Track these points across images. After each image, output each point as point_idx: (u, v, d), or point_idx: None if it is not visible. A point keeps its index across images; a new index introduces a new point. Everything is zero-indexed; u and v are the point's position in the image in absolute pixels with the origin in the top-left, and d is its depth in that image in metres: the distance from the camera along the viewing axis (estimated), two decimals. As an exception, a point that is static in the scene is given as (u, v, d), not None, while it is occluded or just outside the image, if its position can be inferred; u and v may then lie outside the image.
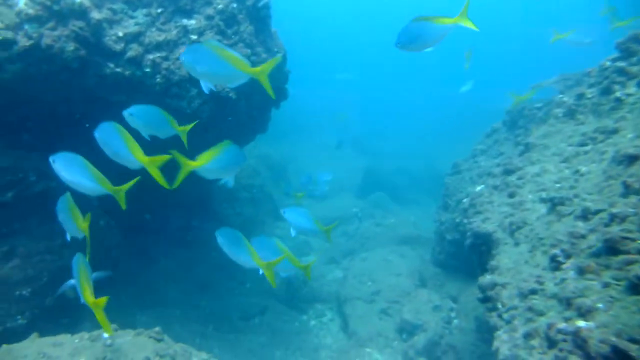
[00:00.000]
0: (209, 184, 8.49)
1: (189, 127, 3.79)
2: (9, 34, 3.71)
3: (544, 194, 3.83)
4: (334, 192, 13.50)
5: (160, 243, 6.87)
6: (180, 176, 3.26)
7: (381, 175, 14.66)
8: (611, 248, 2.50)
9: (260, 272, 3.94)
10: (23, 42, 3.78)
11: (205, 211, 8.70)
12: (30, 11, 3.77)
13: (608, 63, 4.50)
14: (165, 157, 3.10)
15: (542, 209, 3.73)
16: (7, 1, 3.79)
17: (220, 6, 4.95)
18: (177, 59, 4.83)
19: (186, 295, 6.35)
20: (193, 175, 7.66)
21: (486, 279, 3.43)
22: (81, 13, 4.13)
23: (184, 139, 3.79)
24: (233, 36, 5.12)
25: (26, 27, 3.77)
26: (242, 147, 7.59)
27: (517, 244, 3.56)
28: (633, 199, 2.73)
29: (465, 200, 4.98)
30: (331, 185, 13.66)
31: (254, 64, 5.35)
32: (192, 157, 6.08)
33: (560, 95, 5.10)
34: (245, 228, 9.74)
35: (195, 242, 7.99)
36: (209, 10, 4.98)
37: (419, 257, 8.12)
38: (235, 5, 5.04)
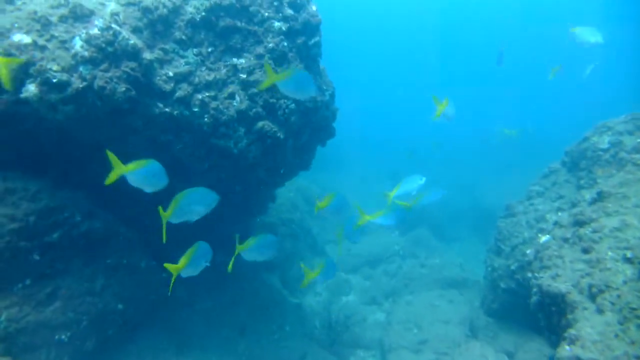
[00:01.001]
0: (249, 219, 8.36)
1: None
2: (64, 77, 3.71)
3: (628, 253, 3.40)
4: (373, 227, 13.12)
5: (200, 282, 6.71)
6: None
7: (424, 209, 14.15)
8: None
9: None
10: (77, 84, 3.76)
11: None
12: (86, 53, 3.77)
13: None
14: None
15: (628, 270, 3.29)
16: (65, 44, 3.81)
17: (270, 45, 4.87)
18: (226, 98, 4.75)
19: (224, 339, 6.10)
20: (235, 209, 7.48)
21: (566, 351, 3.01)
22: (134, 54, 4.11)
23: None
24: (282, 75, 5.01)
25: (81, 69, 3.77)
26: (283, 186, 7.45)
27: (600, 311, 3.13)
28: None
29: (529, 251, 4.57)
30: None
31: (303, 103, 5.24)
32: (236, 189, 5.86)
33: (639, 140, 4.66)
34: (284, 263, 9.51)
35: (234, 280, 7.82)
36: (259, 49, 4.91)
37: (468, 303, 7.59)
38: (286, 43, 4.95)
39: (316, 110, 5.42)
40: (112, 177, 3.26)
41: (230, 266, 3.80)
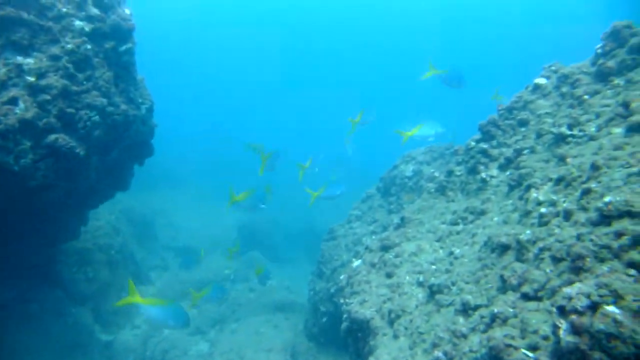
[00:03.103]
0: (52, 245, 7.14)
1: None
2: None
3: (420, 277, 3.69)
4: (205, 249, 12.51)
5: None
6: None
7: (257, 231, 14.06)
8: (495, 357, 2.30)
9: None
10: None
11: (46, 278, 7.29)
12: None
13: (473, 143, 4.71)
14: None
15: (420, 294, 3.56)
16: None
17: (69, 46, 4.18)
18: (5, 103, 3.89)
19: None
20: (31, 236, 6.29)
21: (365, 379, 3.05)
22: None
23: None
24: (85, 82, 4.35)
25: None
26: (96, 208, 6.54)
27: (396, 337, 3.29)
28: (511, 296, 2.62)
29: (342, 277, 4.71)
30: (202, 243, 12.68)
31: (110, 115, 4.62)
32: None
33: (432, 170, 5.23)
34: (97, 296, 8.36)
35: (30, 318, 6.54)
36: (55, 50, 4.17)
37: (292, 328, 7.62)
38: (89, 46, 4.31)
39: (128, 125, 4.85)
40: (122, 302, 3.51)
41: None
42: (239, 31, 34.52)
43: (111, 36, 4.47)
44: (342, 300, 4.45)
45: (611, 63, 3.61)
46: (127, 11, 4.58)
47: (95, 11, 4.30)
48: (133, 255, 10.61)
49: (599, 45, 3.86)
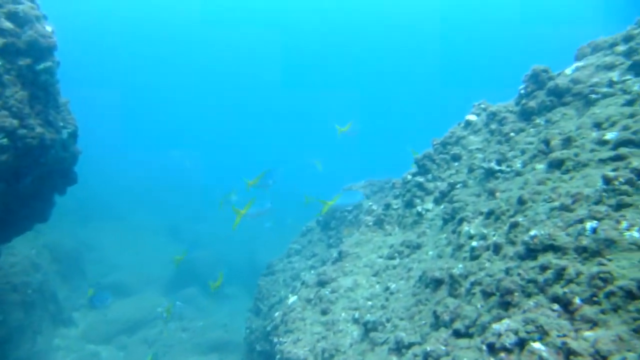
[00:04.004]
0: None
1: None
2: None
3: (356, 314, 3.55)
4: (138, 286, 11.70)
5: None
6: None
7: (196, 266, 13.37)
8: (427, 400, 2.17)
9: None
10: None
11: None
12: None
13: (409, 177, 4.73)
14: None
15: (355, 331, 3.41)
16: None
17: (-24, 62, 3.81)
18: None
19: None
20: None
21: None
22: None
23: None
24: (-6, 101, 3.95)
25: None
26: (9, 242, 5.90)
27: (328, 379, 3.09)
28: (444, 333, 2.54)
29: (277, 314, 4.48)
30: (136, 278, 11.89)
31: (22, 138, 4.21)
32: None
33: (370, 203, 5.19)
34: (7, 342, 7.48)
35: None
36: (-41, 65, 3.78)
37: (227, 369, 7.18)
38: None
39: (44, 150, 4.44)
40: None
41: None
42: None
43: (27, 53, 4.12)
44: (276, 339, 4.20)
45: (532, 103, 3.77)
46: (49, 28, 4.27)
47: (7, 25, 3.96)
48: (55, 294, 9.71)
49: (521, 86, 4.04)
